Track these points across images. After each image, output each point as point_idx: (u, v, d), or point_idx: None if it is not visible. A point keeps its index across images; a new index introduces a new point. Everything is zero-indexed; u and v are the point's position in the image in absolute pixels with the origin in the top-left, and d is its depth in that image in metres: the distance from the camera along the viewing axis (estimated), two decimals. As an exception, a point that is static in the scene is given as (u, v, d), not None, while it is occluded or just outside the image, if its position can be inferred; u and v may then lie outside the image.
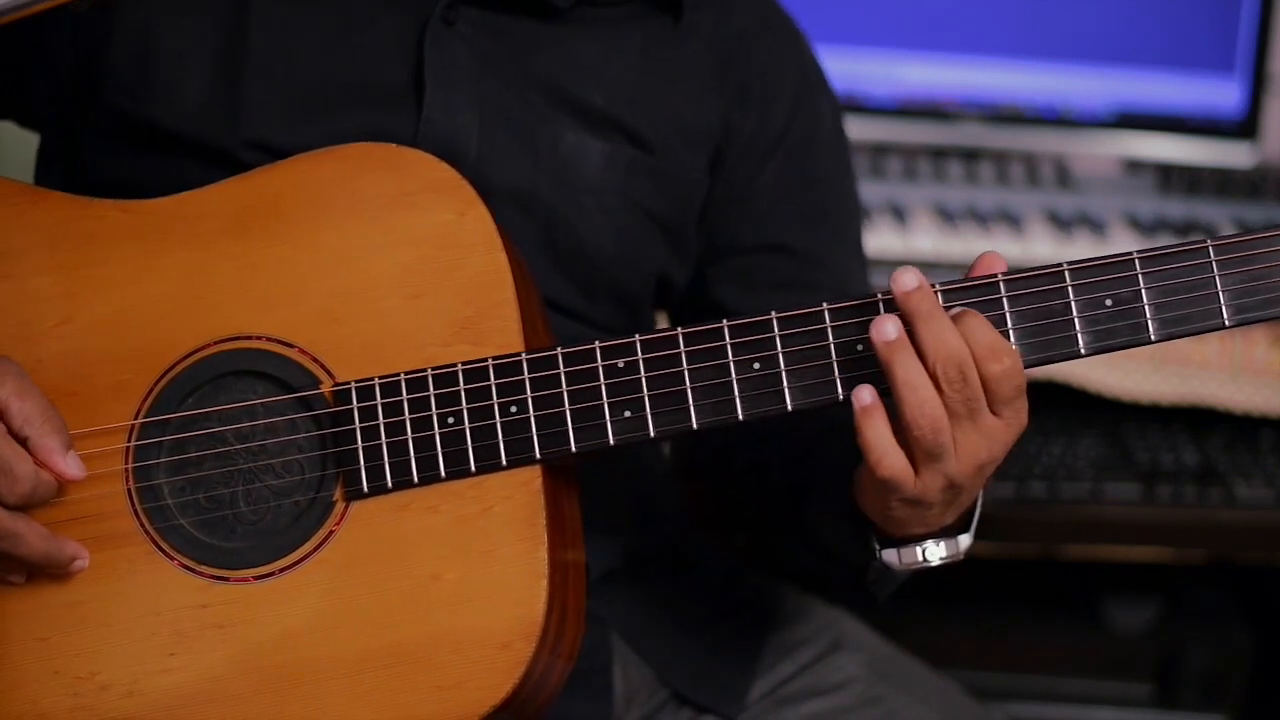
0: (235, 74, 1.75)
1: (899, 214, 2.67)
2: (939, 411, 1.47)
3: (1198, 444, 2.56)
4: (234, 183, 1.65)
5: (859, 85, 2.82)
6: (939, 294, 1.51)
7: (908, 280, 1.49)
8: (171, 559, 1.58)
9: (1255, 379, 2.55)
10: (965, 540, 1.60)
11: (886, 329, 1.48)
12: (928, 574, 1.64)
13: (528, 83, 1.79)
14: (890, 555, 1.60)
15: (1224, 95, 2.83)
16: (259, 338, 1.60)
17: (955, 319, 1.48)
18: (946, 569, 1.61)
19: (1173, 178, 2.83)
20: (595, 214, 1.81)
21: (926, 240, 2.61)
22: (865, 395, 1.49)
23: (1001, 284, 1.52)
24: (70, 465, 1.55)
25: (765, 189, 1.90)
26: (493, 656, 1.52)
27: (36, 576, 1.58)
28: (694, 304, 1.94)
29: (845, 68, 2.80)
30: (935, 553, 1.59)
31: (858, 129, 2.81)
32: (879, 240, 2.59)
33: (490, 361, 1.56)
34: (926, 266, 2.47)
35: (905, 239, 2.61)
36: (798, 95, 1.92)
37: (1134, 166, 2.88)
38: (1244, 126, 2.83)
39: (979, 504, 1.59)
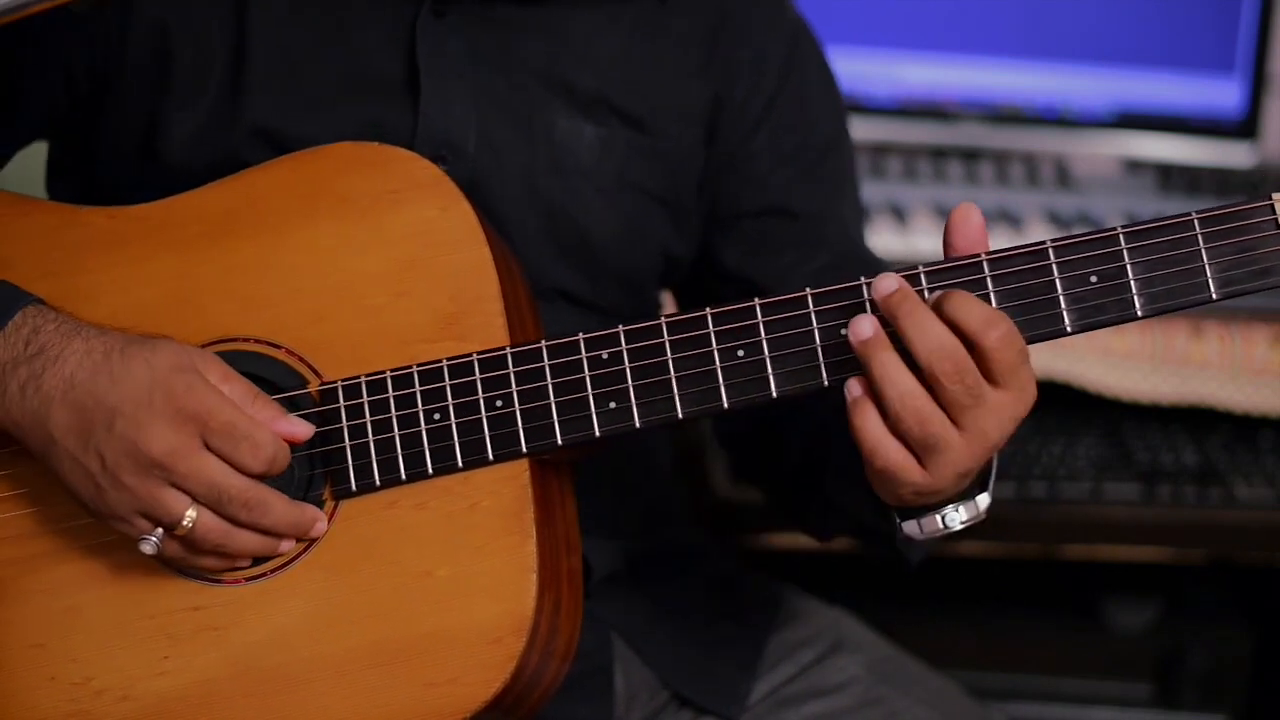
0: (239, 78, 1.75)
1: (899, 214, 2.66)
2: (922, 403, 1.46)
3: (1198, 444, 2.55)
4: (219, 186, 1.65)
5: (859, 85, 2.81)
6: (923, 275, 1.50)
7: (887, 284, 1.48)
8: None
9: (1255, 379, 2.54)
10: (984, 500, 1.57)
11: (863, 327, 1.48)
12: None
13: (521, 69, 1.80)
14: (911, 527, 1.57)
15: (1224, 95, 2.83)
16: (246, 339, 1.60)
17: (939, 303, 1.47)
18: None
19: (1173, 178, 2.82)
20: (594, 198, 1.82)
21: (926, 240, 2.61)
22: (855, 387, 1.49)
23: (985, 263, 1.51)
24: (299, 425, 1.56)
25: (761, 153, 1.89)
26: (484, 652, 1.52)
27: (29, 585, 1.59)
28: (702, 275, 1.93)
29: (845, 68, 2.77)
30: (955, 518, 1.56)
31: (858, 129, 2.79)
32: (879, 240, 2.58)
33: (475, 356, 1.56)
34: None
35: (905, 239, 2.61)
36: (787, 57, 1.91)
37: (1134, 166, 2.87)
38: (1244, 126, 2.83)
39: (994, 461, 1.57)
